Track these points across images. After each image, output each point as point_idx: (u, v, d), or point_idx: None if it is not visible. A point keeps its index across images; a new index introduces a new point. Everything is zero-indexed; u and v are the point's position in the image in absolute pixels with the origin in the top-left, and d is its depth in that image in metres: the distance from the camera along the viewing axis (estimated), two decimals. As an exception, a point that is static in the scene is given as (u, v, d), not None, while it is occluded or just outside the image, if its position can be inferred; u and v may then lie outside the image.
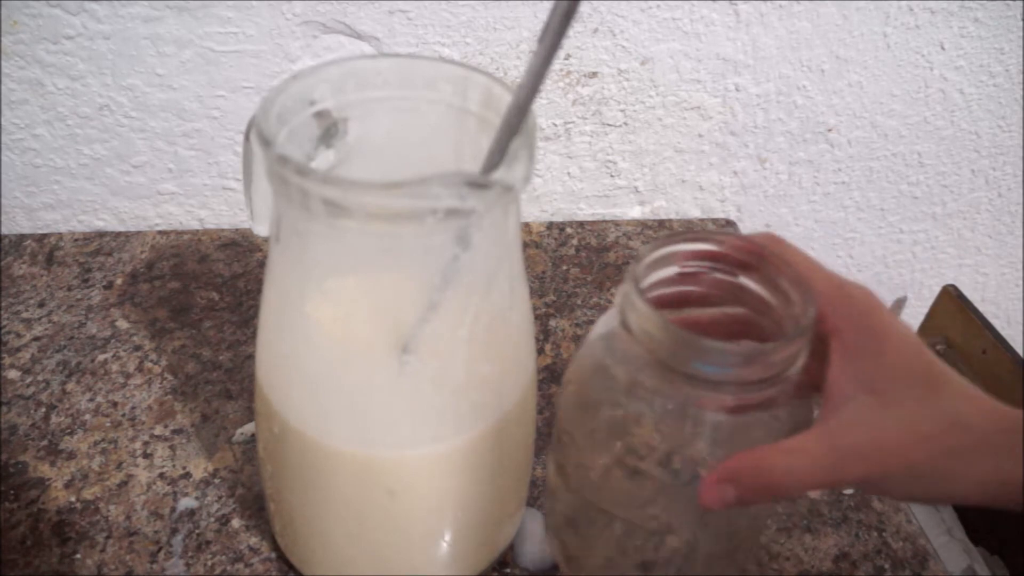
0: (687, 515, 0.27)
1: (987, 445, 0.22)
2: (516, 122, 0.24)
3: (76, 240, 0.53)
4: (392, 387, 0.28)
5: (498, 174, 0.24)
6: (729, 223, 0.61)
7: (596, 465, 0.28)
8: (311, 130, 0.28)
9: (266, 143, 0.24)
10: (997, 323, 0.65)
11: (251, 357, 0.45)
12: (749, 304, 0.27)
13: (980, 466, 0.22)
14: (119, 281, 0.50)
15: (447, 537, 0.32)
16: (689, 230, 0.27)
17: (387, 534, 0.31)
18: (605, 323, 0.27)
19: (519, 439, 0.33)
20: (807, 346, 0.24)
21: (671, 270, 0.27)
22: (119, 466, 0.39)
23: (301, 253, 0.27)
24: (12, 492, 0.37)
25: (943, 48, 0.55)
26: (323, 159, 0.29)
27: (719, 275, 0.27)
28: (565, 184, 0.58)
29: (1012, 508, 0.22)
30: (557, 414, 0.29)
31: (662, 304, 0.27)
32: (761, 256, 0.26)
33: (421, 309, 0.26)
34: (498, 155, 0.24)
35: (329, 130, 0.28)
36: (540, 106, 0.53)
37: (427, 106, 0.29)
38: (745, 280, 0.27)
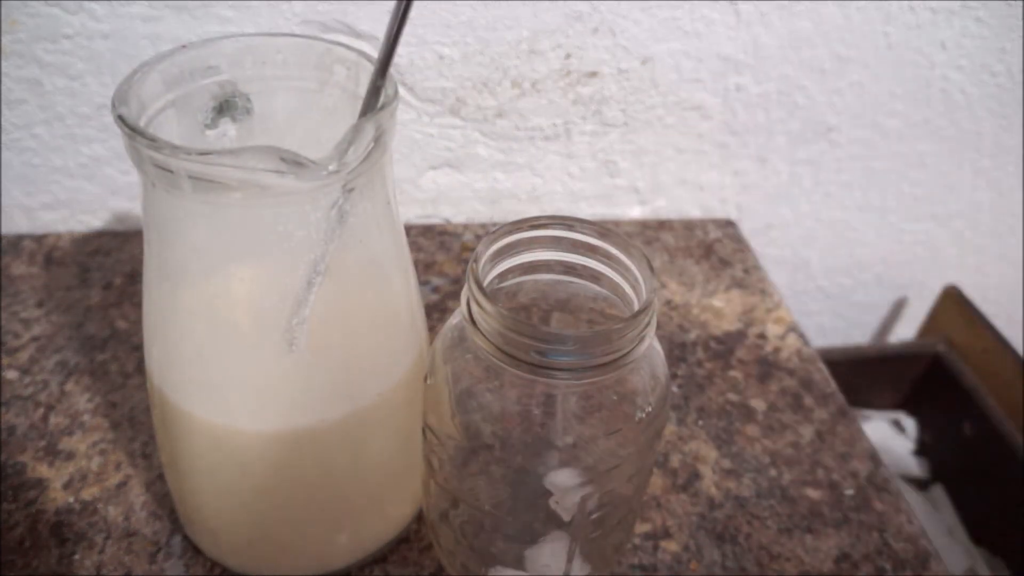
0: (546, 503, 0.27)
1: None
2: (370, 101, 0.24)
3: (75, 240, 0.53)
4: (268, 369, 0.28)
5: (330, 155, 0.23)
6: (730, 223, 0.61)
7: (456, 457, 0.28)
8: (205, 100, 0.27)
9: (113, 104, 0.24)
10: (998, 323, 0.65)
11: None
12: (602, 283, 0.27)
13: None
14: (118, 281, 0.50)
15: (318, 515, 0.32)
16: (526, 218, 0.27)
17: (251, 505, 0.31)
18: (457, 315, 0.27)
19: (390, 426, 0.32)
20: (652, 323, 0.24)
21: (519, 259, 0.27)
22: (118, 467, 0.39)
23: (159, 232, 0.26)
24: (10, 493, 0.37)
25: (944, 47, 0.55)
26: (223, 132, 0.28)
27: (566, 256, 0.27)
28: (565, 184, 0.58)
29: None
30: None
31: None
32: (604, 235, 0.26)
33: (294, 291, 0.26)
34: (351, 134, 0.24)
35: (229, 102, 0.28)
36: (540, 106, 0.53)
37: (324, 88, 0.29)
38: (591, 261, 0.27)
